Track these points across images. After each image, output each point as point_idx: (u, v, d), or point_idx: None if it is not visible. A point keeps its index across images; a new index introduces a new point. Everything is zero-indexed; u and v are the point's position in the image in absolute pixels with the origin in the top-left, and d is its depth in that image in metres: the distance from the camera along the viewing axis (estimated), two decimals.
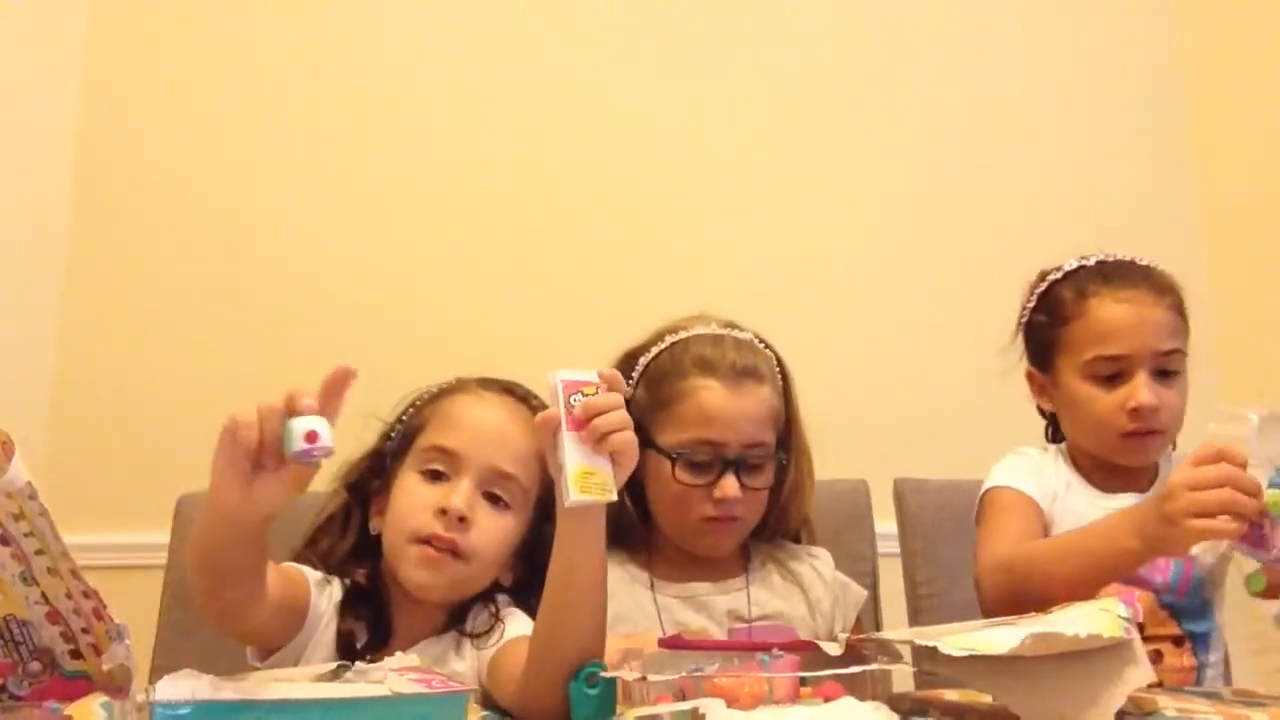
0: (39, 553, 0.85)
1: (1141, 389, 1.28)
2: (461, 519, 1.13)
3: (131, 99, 2.06)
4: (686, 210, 2.14)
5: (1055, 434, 1.48)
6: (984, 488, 1.41)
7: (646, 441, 1.27)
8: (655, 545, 1.37)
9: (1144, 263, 1.37)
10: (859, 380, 2.06)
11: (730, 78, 2.20)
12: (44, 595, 0.87)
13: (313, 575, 1.18)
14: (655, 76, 2.18)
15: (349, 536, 1.22)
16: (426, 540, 1.13)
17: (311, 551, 1.23)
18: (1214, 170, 2.24)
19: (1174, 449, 1.40)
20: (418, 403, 1.27)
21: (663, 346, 1.35)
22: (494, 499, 1.16)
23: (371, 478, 1.24)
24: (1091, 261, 1.37)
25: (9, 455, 0.81)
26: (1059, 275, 1.39)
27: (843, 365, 2.04)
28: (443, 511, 1.13)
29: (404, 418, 1.26)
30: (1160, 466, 1.39)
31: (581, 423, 0.94)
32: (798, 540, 1.43)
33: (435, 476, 1.16)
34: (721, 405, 1.28)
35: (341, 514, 1.24)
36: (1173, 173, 2.25)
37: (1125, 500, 1.32)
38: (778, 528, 1.40)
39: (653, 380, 1.33)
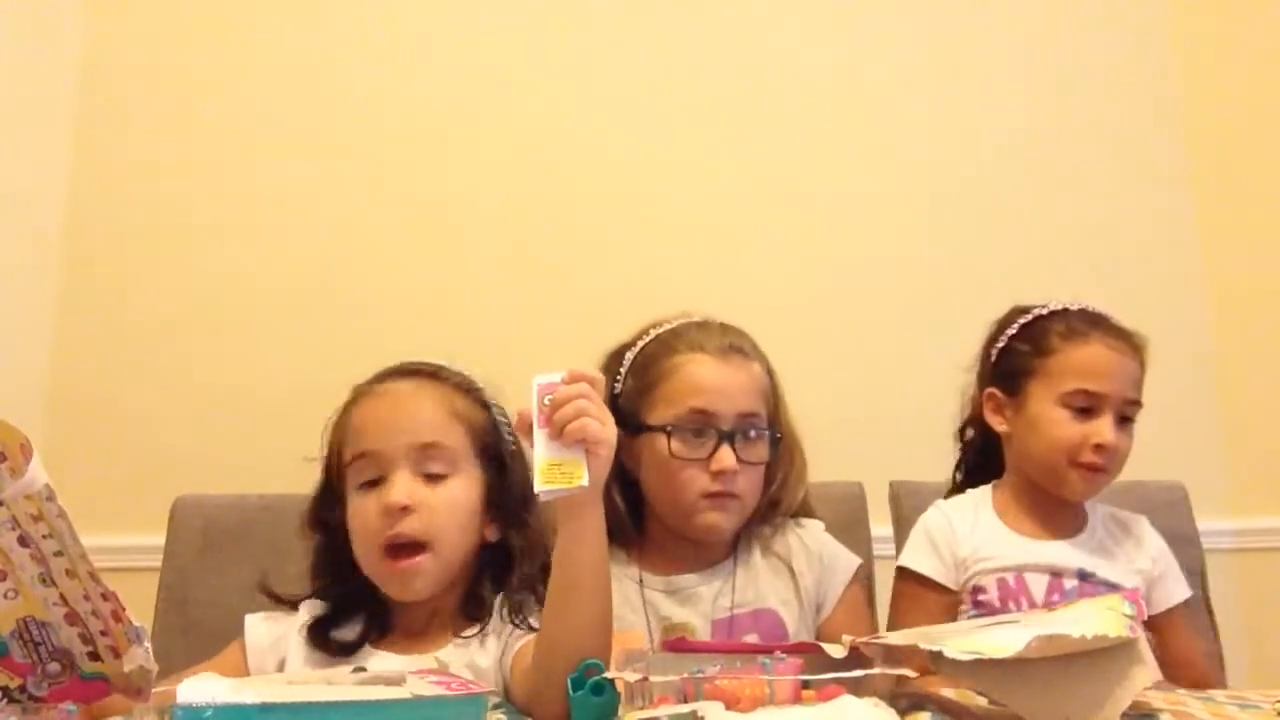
0: (57, 554, 0.85)
1: (1108, 428, 1.40)
2: (404, 508, 1.13)
3: (128, 102, 2.05)
4: (680, 211, 2.14)
5: (975, 465, 1.57)
6: (901, 557, 1.49)
7: (639, 426, 1.30)
8: (646, 540, 1.37)
9: (1117, 321, 1.49)
10: (854, 383, 2.06)
11: (730, 82, 2.19)
12: (62, 597, 0.87)
13: (252, 635, 1.19)
14: (649, 81, 2.17)
15: (335, 568, 1.22)
16: (388, 546, 1.14)
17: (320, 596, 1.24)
18: (1210, 178, 2.25)
19: None
20: (330, 426, 1.26)
21: (649, 339, 1.37)
22: (430, 476, 1.16)
23: (329, 511, 1.23)
24: (1075, 308, 1.49)
25: (27, 457, 0.80)
26: (1045, 312, 1.50)
27: (838, 368, 2.04)
28: (388, 511, 1.13)
29: (328, 445, 1.25)
30: (1086, 513, 1.48)
31: (549, 418, 0.97)
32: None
33: (372, 485, 1.16)
34: (712, 375, 1.30)
35: (323, 553, 1.24)
36: (1172, 183, 2.25)
37: (1050, 547, 1.43)
38: (773, 511, 1.39)
39: (640, 367, 1.35)
